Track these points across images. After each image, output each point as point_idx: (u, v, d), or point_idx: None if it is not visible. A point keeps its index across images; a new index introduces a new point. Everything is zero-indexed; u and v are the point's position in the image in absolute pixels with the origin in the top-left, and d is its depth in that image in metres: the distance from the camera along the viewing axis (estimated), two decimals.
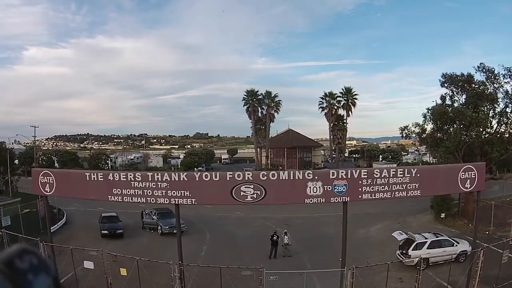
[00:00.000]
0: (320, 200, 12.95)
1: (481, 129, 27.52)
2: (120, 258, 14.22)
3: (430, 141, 29.98)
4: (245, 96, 61.87)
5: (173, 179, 13.22)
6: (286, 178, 12.96)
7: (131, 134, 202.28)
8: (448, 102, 30.00)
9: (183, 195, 13.12)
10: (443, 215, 28.86)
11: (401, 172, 13.50)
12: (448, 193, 21.76)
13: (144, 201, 13.56)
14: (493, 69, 27.77)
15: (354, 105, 60.43)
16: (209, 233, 27.39)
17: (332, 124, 61.68)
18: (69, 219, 30.38)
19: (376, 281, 15.24)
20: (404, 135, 30.01)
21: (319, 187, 12.76)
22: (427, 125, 29.81)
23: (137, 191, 13.43)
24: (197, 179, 13.14)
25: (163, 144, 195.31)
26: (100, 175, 14.01)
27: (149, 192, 13.35)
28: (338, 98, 60.47)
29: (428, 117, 29.50)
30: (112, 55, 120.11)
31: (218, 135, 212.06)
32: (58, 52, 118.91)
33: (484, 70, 27.91)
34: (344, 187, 12.92)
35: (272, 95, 61.29)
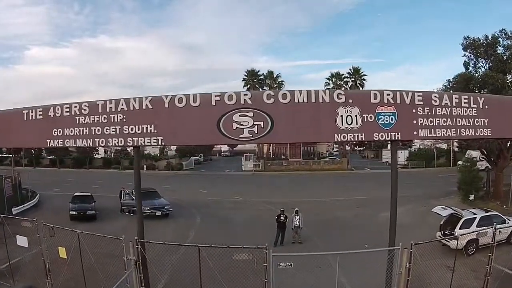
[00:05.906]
0: (358, 136, 8.52)
1: None
2: (59, 234, 9.69)
3: None
4: (245, 76, 57.11)
5: (131, 108, 8.80)
6: (305, 101, 8.40)
7: None
8: (471, 70, 26.84)
9: (145, 131, 8.72)
10: (471, 197, 25.43)
11: (466, 101, 9.14)
12: None
13: (91, 143, 9.13)
14: None
15: (362, 86, 54.54)
16: (200, 217, 23.39)
17: None
18: (43, 201, 27.66)
19: (422, 270, 11.00)
20: None
21: (356, 116, 8.36)
22: None
23: (83, 130, 9.05)
24: (166, 105, 8.64)
25: None
26: (39, 111, 9.61)
27: (98, 130, 8.98)
28: (345, 79, 55.41)
29: (450, 88, 26.07)
30: (114, 55, 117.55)
31: None
32: (60, 52, 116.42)
33: (507, 36, 25.33)
34: (393, 117, 8.50)
35: (275, 75, 56.66)
